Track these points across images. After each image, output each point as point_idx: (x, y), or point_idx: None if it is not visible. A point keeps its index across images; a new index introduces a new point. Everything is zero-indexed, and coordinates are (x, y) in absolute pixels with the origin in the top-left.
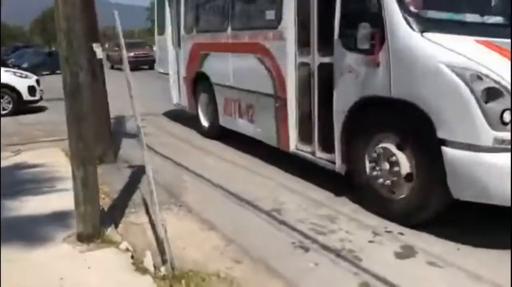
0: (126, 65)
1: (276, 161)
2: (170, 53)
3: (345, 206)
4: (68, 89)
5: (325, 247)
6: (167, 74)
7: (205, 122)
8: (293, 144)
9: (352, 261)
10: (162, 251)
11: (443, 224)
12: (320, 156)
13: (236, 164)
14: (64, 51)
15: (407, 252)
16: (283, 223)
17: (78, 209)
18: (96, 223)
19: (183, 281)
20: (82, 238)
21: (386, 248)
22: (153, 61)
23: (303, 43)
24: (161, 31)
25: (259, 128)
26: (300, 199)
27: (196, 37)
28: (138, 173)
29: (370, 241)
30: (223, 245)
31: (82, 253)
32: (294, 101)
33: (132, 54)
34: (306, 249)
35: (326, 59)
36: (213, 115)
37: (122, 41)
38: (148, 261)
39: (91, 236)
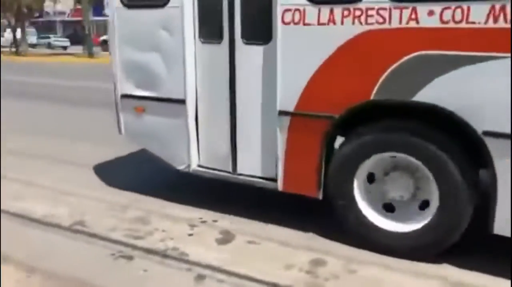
0: None
1: (58, 168)
2: (189, 55)
3: (152, 204)
4: None
5: (149, 251)
6: (176, 102)
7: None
8: None
9: (180, 258)
10: None
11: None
12: None
13: (5, 177)
14: None
15: (226, 237)
16: (92, 235)
17: None
18: None
19: None
20: None
21: (207, 237)
22: None
23: None
24: None
25: None
26: (101, 205)
27: (391, 12)
28: None
29: (190, 234)
30: (24, 277)
31: None
32: None
33: None
34: (129, 257)
35: None
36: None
37: None
38: None
39: None
